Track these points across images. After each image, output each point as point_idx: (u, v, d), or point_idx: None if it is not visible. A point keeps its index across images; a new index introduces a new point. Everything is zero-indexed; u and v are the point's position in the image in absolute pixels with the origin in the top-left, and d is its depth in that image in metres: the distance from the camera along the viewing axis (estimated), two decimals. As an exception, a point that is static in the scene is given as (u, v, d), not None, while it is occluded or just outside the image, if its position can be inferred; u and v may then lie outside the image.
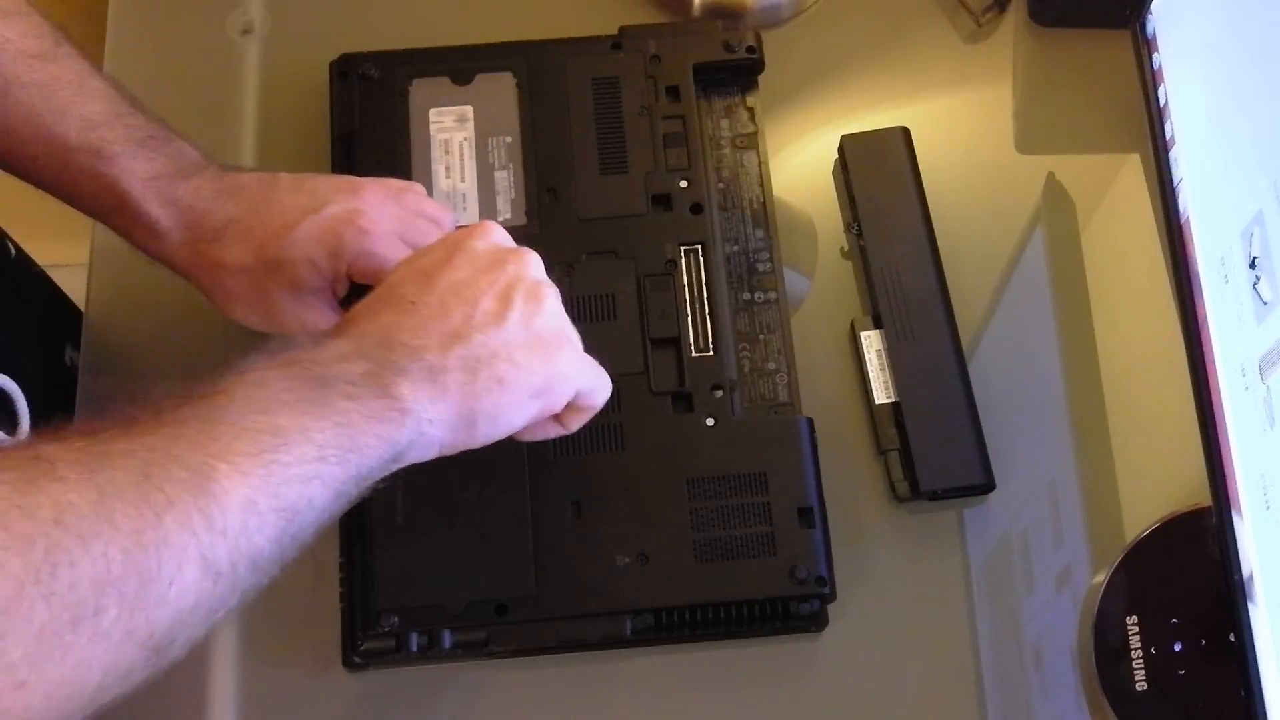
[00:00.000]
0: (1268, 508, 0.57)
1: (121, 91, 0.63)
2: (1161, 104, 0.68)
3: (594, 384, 0.58)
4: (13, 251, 0.77)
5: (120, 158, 0.61)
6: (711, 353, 0.68)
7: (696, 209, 0.71)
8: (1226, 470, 0.61)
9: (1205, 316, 0.63)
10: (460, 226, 0.62)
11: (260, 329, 0.64)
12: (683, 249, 0.70)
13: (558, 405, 0.56)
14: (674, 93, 0.74)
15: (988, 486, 0.68)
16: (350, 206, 0.61)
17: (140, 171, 0.61)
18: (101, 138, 0.61)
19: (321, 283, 0.62)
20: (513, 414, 0.54)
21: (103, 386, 0.71)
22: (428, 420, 0.51)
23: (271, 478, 0.46)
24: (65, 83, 0.61)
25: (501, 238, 0.58)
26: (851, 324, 0.72)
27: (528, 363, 0.54)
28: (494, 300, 0.54)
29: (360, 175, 0.65)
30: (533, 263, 0.57)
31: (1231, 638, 0.60)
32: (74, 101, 0.61)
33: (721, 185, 0.73)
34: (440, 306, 0.53)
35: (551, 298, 0.56)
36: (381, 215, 0.61)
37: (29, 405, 0.67)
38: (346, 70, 0.74)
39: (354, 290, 0.63)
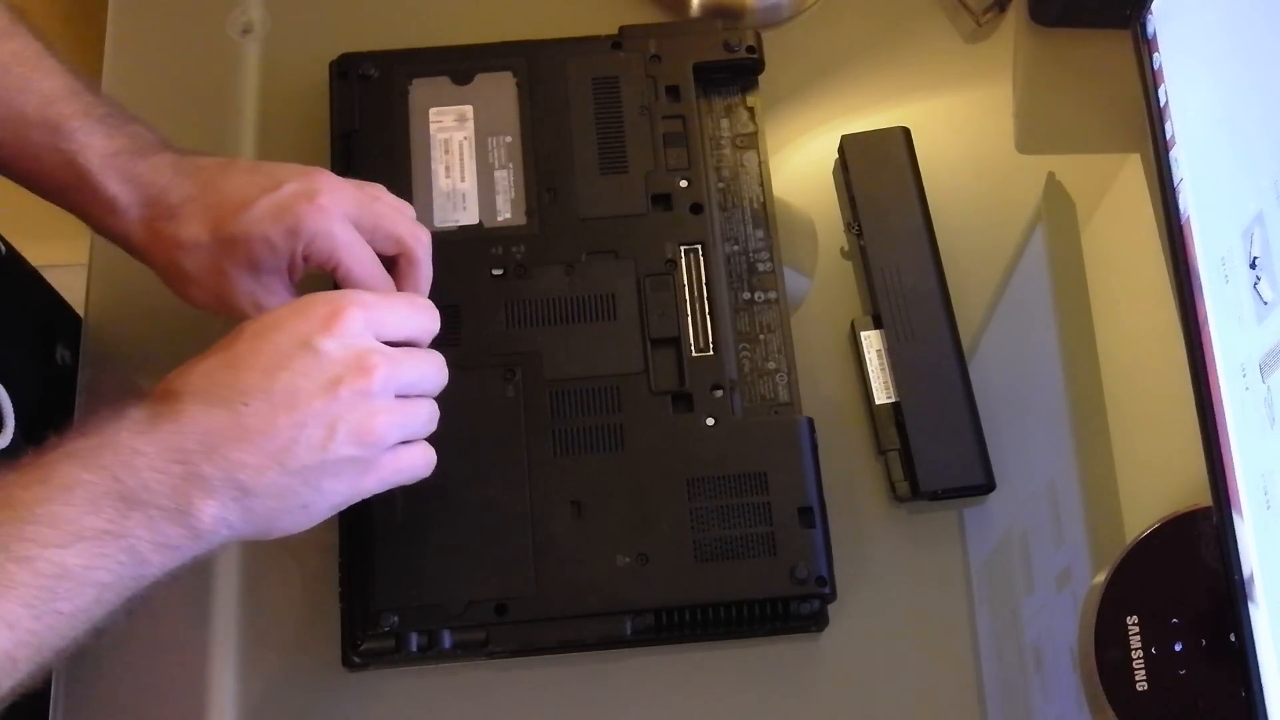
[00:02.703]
0: (1268, 508, 0.57)
1: (78, 73, 0.63)
2: (1161, 104, 0.68)
3: (403, 480, 0.59)
4: (2, 249, 0.77)
5: (79, 133, 0.61)
6: (711, 353, 0.68)
7: (696, 209, 0.71)
8: (1226, 470, 0.61)
9: (1205, 316, 0.63)
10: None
11: (215, 312, 0.63)
12: (683, 249, 0.70)
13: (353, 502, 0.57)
14: (674, 92, 0.74)
15: (988, 486, 0.68)
16: (309, 186, 0.61)
17: (99, 147, 0.61)
18: (60, 113, 0.61)
19: (278, 262, 0.61)
20: (307, 526, 0.56)
21: (102, 387, 0.71)
22: (219, 540, 0.53)
23: (40, 630, 0.48)
24: (23, 59, 0.61)
25: (357, 332, 0.55)
26: (851, 324, 0.72)
27: (334, 489, 0.55)
28: (321, 428, 0.53)
29: (360, 176, 0.65)
30: (378, 380, 0.55)
31: (1231, 638, 0.60)
32: (31, 77, 0.61)
33: (721, 185, 0.73)
34: (270, 419, 0.53)
35: (381, 425, 0.55)
36: (340, 195, 0.61)
37: (18, 405, 0.66)
38: (346, 70, 0.74)
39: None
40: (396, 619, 0.63)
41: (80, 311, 0.75)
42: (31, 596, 0.47)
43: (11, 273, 0.78)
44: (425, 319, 0.60)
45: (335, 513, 0.57)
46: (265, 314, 0.56)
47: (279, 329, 0.55)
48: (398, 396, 0.57)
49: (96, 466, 0.50)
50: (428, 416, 0.59)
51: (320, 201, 0.60)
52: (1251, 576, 0.59)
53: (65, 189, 0.62)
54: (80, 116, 0.61)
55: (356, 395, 0.54)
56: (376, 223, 0.62)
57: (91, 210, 0.62)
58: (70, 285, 0.80)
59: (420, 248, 0.63)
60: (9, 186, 0.63)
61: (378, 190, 0.64)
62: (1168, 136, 0.68)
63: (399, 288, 0.63)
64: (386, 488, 0.58)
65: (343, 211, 0.61)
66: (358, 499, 0.57)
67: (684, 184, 0.72)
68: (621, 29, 0.75)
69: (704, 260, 0.70)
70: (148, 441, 0.51)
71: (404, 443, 0.58)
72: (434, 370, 0.59)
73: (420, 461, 0.59)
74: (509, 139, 0.73)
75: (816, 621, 0.65)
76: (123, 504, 0.50)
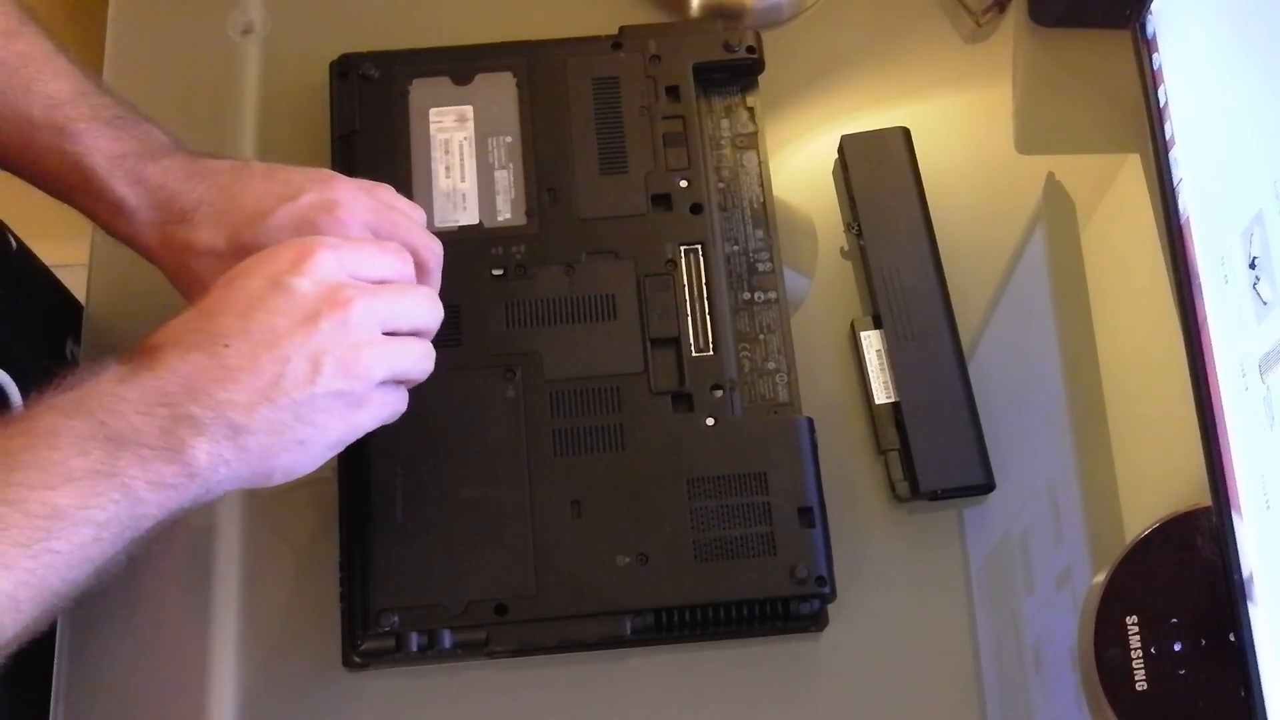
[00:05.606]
0: (1268, 508, 0.57)
1: (88, 73, 0.63)
2: (1161, 104, 0.68)
3: (393, 416, 0.58)
4: (14, 244, 0.77)
5: (85, 135, 0.61)
6: (711, 353, 0.68)
7: (696, 209, 0.71)
8: (1226, 470, 0.61)
9: (1205, 317, 0.63)
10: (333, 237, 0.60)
11: None
12: (683, 249, 0.70)
13: (350, 440, 0.57)
14: (674, 93, 0.74)
15: (988, 486, 0.68)
16: (327, 197, 0.61)
17: (106, 149, 0.61)
18: (65, 115, 0.61)
19: None
20: (308, 466, 0.55)
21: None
22: (217, 481, 0.52)
23: (38, 569, 0.48)
24: (30, 60, 0.61)
25: (329, 271, 0.55)
26: (851, 324, 0.72)
27: (327, 424, 0.54)
28: (305, 361, 0.53)
29: (360, 176, 0.65)
30: (356, 310, 0.54)
31: (1231, 638, 0.60)
32: (38, 79, 0.61)
33: (721, 185, 0.73)
34: (252, 357, 0.52)
35: (366, 357, 0.55)
36: (357, 206, 0.61)
37: (28, 399, 0.67)
38: (346, 70, 0.74)
39: None
40: (396, 619, 0.63)
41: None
42: (25, 537, 0.47)
43: (22, 268, 0.78)
44: (395, 260, 0.59)
45: (333, 452, 0.56)
46: (235, 266, 0.56)
47: (249, 274, 0.55)
48: (387, 334, 0.56)
49: (79, 413, 0.50)
50: (419, 355, 0.58)
51: (339, 214, 0.60)
52: (1251, 576, 0.59)
53: (73, 190, 0.62)
54: (87, 119, 0.61)
55: (336, 327, 0.54)
56: (392, 231, 0.61)
57: (100, 212, 0.62)
58: (80, 285, 0.80)
59: (432, 258, 0.63)
60: (19, 187, 0.63)
61: (391, 195, 0.64)
62: (1167, 136, 0.68)
63: None
64: (380, 423, 0.57)
65: (359, 222, 0.60)
66: (354, 436, 0.56)
67: (684, 184, 0.72)
68: (621, 29, 0.75)
69: (704, 260, 0.70)
70: (129, 388, 0.51)
71: (398, 382, 0.58)
72: (420, 305, 0.58)
73: (402, 402, 0.59)
74: (509, 139, 0.73)
75: (816, 621, 0.65)
76: (110, 445, 0.50)
